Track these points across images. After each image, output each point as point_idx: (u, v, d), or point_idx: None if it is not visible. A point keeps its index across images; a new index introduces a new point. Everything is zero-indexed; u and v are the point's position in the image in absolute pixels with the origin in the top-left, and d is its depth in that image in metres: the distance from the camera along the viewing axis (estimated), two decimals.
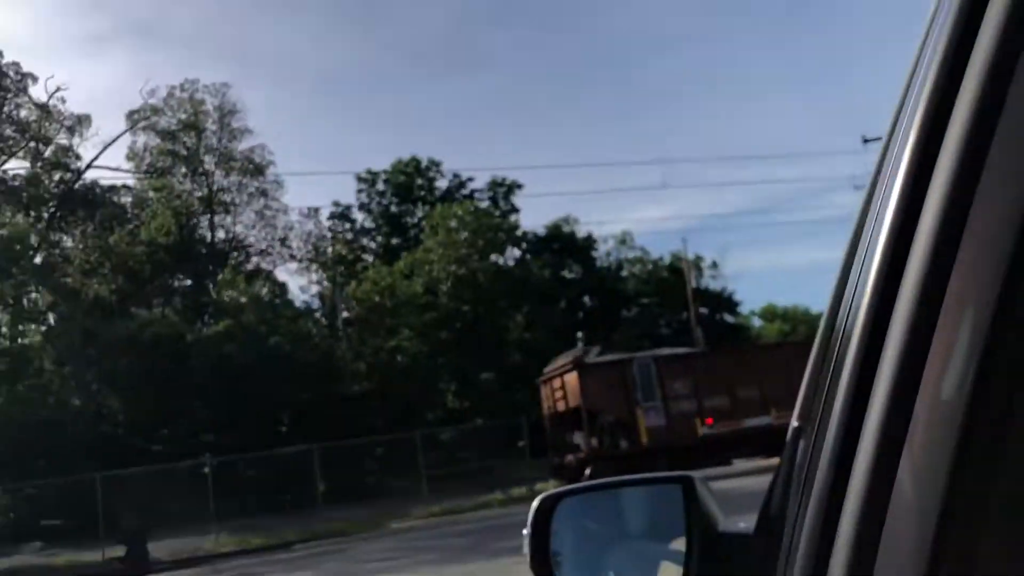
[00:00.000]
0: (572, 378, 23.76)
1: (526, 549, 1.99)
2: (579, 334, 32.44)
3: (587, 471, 22.93)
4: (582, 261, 47.08)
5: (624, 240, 49.64)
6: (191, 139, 47.43)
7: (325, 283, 48.21)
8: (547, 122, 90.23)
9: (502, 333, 39.14)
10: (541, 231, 46.50)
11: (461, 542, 14.35)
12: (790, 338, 44.64)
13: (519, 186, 48.06)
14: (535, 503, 2.03)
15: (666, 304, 47.68)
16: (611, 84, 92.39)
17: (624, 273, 49.30)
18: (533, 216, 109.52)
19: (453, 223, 39.56)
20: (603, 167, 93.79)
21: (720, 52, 79.42)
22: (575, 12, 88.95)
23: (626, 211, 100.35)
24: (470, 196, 46.69)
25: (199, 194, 47.64)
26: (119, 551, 21.99)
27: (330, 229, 50.42)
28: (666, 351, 27.36)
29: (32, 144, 40.63)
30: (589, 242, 47.52)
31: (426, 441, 31.08)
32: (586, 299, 47.31)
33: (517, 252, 43.68)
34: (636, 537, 2.44)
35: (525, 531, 2.01)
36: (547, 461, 26.18)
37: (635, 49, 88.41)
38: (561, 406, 24.52)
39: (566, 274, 46.27)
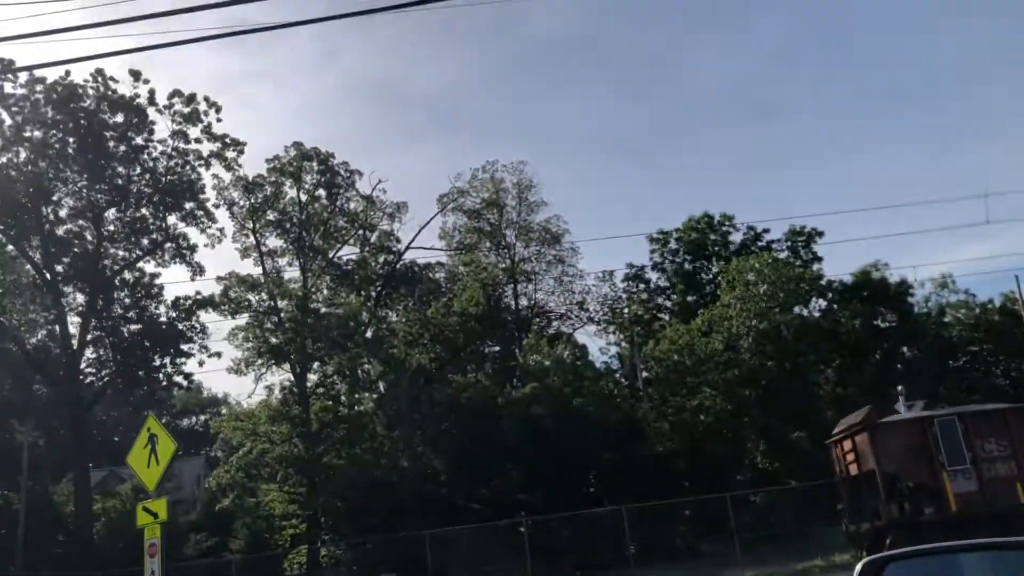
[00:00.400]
0: (863, 439, 21.66)
1: None
2: (899, 388, 29.77)
3: (887, 541, 20.77)
4: (896, 308, 43.60)
5: (945, 283, 45.35)
6: (493, 216, 50.84)
7: (623, 344, 48.85)
8: (846, 165, 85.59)
9: (811, 389, 37.11)
10: (848, 279, 43.86)
11: None
12: None
13: (820, 233, 45.90)
14: (859, 567, 1.97)
15: (1000, 351, 42.66)
16: (915, 119, 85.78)
17: (947, 319, 44.88)
18: (838, 264, 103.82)
19: (751, 276, 38.46)
20: (911, 207, 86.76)
21: None
22: (871, 45, 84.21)
23: (942, 252, 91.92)
24: (767, 248, 45.30)
25: (503, 266, 50.70)
26: None
27: (625, 290, 51.30)
28: (973, 407, 24.08)
29: (360, 232, 45.57)
30: (903, 288, 43.96)
31: (737, 503, 30.00)
32: (904, 350, 43.64)
33: (823, 303, 41.53)
34: None
35: None
36: (841, 529, 23.72)
37: (944, 79, 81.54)
38: (854, 469, 22.31)
39: (879, 323, 43.06)
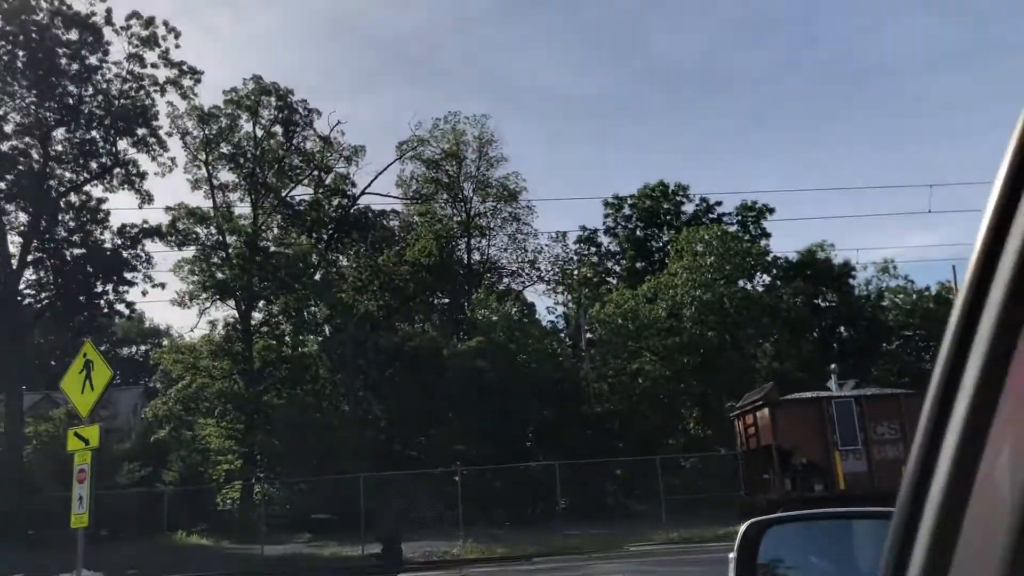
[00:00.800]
0: (764, 415, 22.42)
1: (731, 573, 2.14)
2: (832, 366, 30.63)
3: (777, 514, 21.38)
4: (838, 289, 44.67)
5: (886, 268, 46.51)
6: (452, 167, 50.59)
7: (570, 304, 49.35)
8: (801, 146, 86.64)
9: (749, 361, 38.00)
10: (793, 257, 44.74)
11: (696, 571, 14.20)
12: None
13: (770, 210, 46.60)
14: (742, 529, 2.12)
15: (932, 338, 44.04)
16: (874, 105, 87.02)
17: (885, 303, 46.14)
18: (785, 242, 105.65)
19: (699, 247, 39.02)
20: (862, 191, 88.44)
21: (996, 68, 72.43)
22: (835, 30, 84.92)
23: (887, 238, 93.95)
24: (718, 220, 45.89)
25: (458, 218, 50.62)
26: (376, 548, 23.69)
27: (577, 252, 51.66)
28: (870, 391, 24.87)
29: (315, 173, 45.03)
30: (846, 269, 44.99)
31: (667, 466, 30.82)
32: (841, 329, 44.82)
33: (767, 278, 42.30)
34: (846, 568, 2.48)
35: (731, 555, 2.15)
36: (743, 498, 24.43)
37: (903, 69, 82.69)
38: (753, 443, 23.11)
39: (820, 303, 44.13)
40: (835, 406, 21.80)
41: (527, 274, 52.22)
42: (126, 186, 37.90)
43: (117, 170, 37.71)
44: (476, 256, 51.83)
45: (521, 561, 20.59)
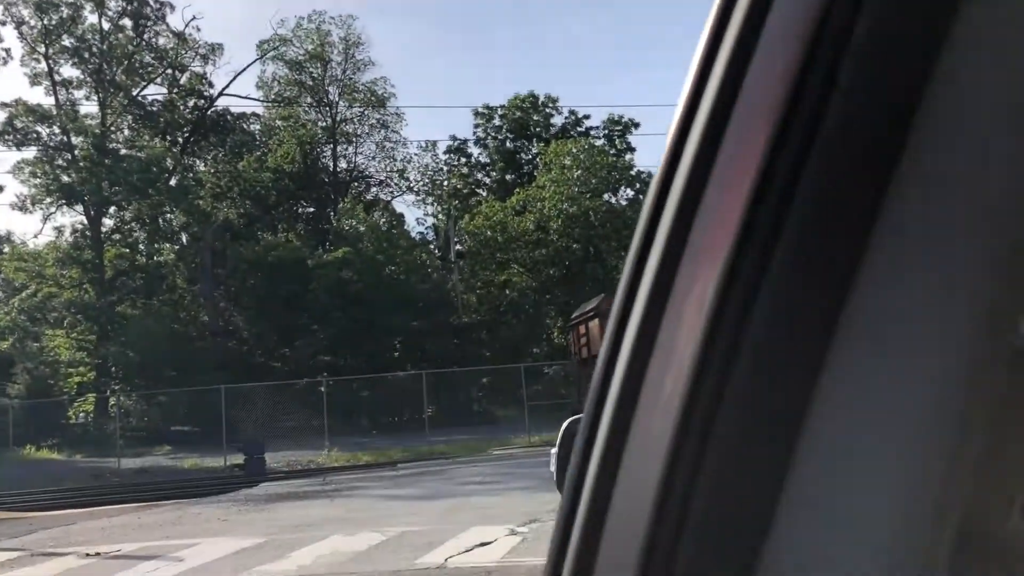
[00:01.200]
0: (595, 325, 23.03)
1: (552, 468, 2.25)
2: None
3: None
4: None
5: None
6: (317, 70, 48.71)
7: (440, 216, 49.18)
8: (669, 61, 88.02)
9: (611, 273, 39.15)
10: (656, 171, 45.89)
11: (547, 470, 14.86)
12: None
13: (636, 125, 47.38)
14: (563, 426, 2.22)
15: None
16: None
17: None
18: (649, 156, 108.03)
19: (567, 160, 39.43)
20: None
21: None
22: None
23: None
24: (585, 133, 46.34)
25: (323, 124, 49.07)
26: (239, 459, 23.53)
27: (447, 163, 51.22)
28: None
29: (169, 71, 42.51)
30: None
31: (530, 373, 31.74)
32: None
33: (631, 192, 43.28)
34: None
35: (552, 451, 2.25)
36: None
37: None
38: (585, 352, 23.80)
39: None
40: None
41: (396, 184, 51.50)
42: None
43: None
44: (343, 164, 50.61)
45: (386, 467, 20.94)
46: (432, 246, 46.32)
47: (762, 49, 0.64)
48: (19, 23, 38.85)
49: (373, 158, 51.01)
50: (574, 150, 39.84)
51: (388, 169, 51.18)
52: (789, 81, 0.61)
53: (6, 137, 37.14)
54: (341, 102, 49.44)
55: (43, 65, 39.82)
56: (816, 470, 0.60)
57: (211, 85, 43.68)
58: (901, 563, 0.58)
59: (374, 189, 51.35)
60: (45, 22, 39.07)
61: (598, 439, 0.72)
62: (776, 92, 0.62)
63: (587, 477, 0.73)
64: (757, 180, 0.61)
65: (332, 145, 49.23)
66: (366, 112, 49.68)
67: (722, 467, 0.62)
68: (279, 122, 48.14)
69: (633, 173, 42.70)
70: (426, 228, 50.24)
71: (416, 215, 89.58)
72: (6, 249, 45.60)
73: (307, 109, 49.25)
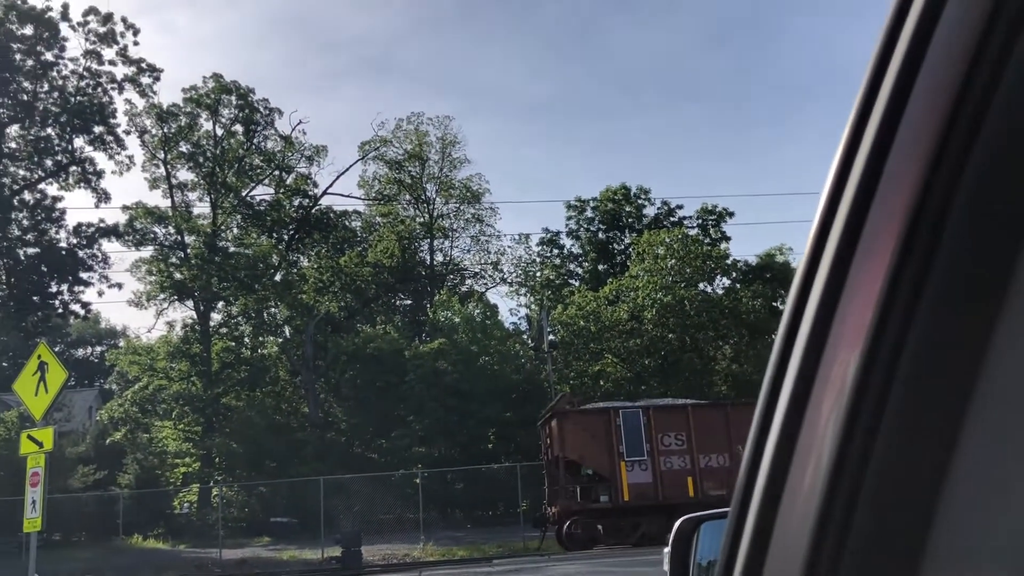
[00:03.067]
0: (555, 426, 22.40)
1: (666, 567, 2.20)
2: None
3: (567, 524, 21.63)
4: None
5: None
6: (415, 168, 50.50)
7: (533, 306, 49.48)
8: (763, 151, 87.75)
9: (708, 363, 38.41)
10: (752, 260, 45.30)
11: (653, 571, 14.35)
12: None
13: (730, 214, 47.16)
14: (676, 525, 2.16)
15: None
16: (835, 109, 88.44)
17: None
18: (745, 245, 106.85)
19: (660, 250, 39.37)
20: (817, 195, 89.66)
21: None
22: (799, 33, 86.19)
23: None
24: (679, 223, 46.33)
25: (420, 220, 50.52)
26: (336, 551, 23.55)
27: (539, 254, 51.82)
28: (660, 401, 24.94)
29: (276, 172, 44.68)
30: None
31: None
32: None
33: (727, 281, 42.77)
34: None
35: (665, 550, 2.20)
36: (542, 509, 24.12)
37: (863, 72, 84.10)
38: (549, 454, 23.07)
39: (778, 305, 44.73)
40: (623, 417, 21.79)
41: (490, 276, 52.33)
42: (82, 184, 37.40)
43: (73, 168, 37.17)
44: (439, 257, 51.83)
45: (481, 563, 20.63)
46: (525, 336, 46.48)
47: (905, 128, 0.67)
48: (142, 132, 41.72)
49: (468, 251, 52.15)
50: (667, 239, 39.78)
51: (482, 261, 52.18)
52: (930, 155, 0.63)
53: (126, 237, 39.39)
54: (438, 198, 50.99)
55: (162, 170, 42.48)
56: (971, 490, 0.62)
57: (315, 185, 45.72)
58: None
59: (469, 281, 52.31)
60: (165, 130, 41.83)
61: (764, 458, 0.77)
62: (917, 168, 0.64)
63: (754, 492, 0.77)
64: (905, 234, 0.64)
65: (429, 239, 50.54)
66: (461, 207, 51.03)
67: (881, 484, 0.65)
68: (379, 218, 49.80)
69: (729, 262, 42.27)
70: (519, 319, 50.61)
71: (510, 306, 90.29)
72: (122, 343, 47.89)
73: (405, 206, 50.89)
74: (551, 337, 40.50)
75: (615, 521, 21.56)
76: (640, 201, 48.74)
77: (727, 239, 46.70)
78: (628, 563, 17.12)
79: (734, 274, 42.29)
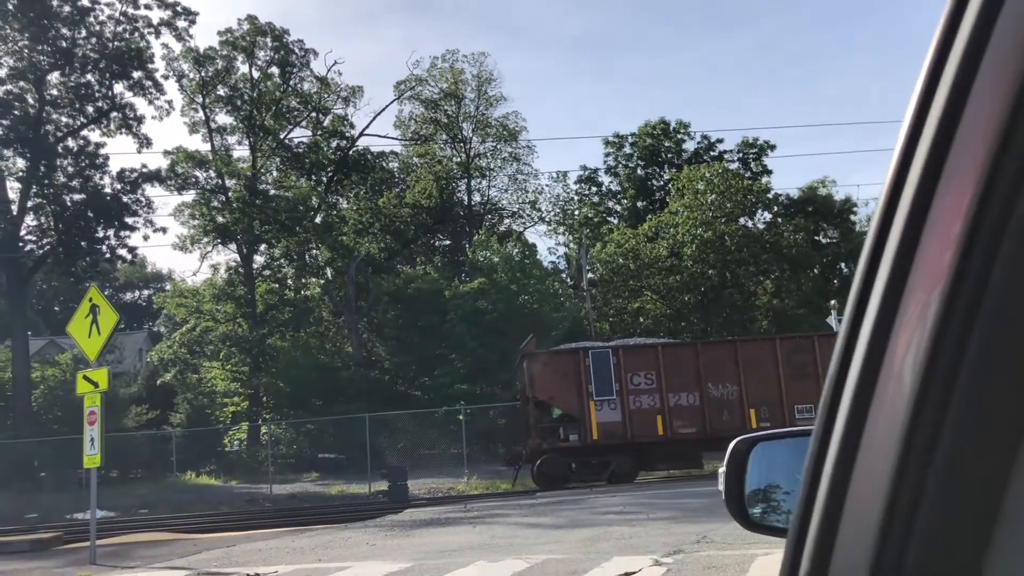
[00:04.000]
0: (525, 367, 22.49)
1: (721, 486, 2.23)
2: (832, 303, 30.80)
3: (538, 462, 21.80)
4: (839, 226, 44.62)
5: None
6: (451, 107, 50.14)
7: (572, 245, 49.38)
8: (805, 80, 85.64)
9: (749, 299, 38.18)
10: (794, 194, 44.61)
11: (696, 503, 14.53)
12: None
13: (772, 147, 46.33)
14: (731, 446, 2.19)
15: None
16: (878, 38, 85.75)
17: None
18: (787, 178, 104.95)
19: (700, 185, 38.89)
20: (865, 126, 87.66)
21: None
22: None
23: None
24: (719, 158, 45.64)
25: (457, 159, 50.35)
26: (383, 485, 24.11)
27: (577, 192, 51.51)
28: (630, 341, 24.80)
29: (313, 114, 44.68)
30: (847, 205, 44.89)
31: None
32: (842, 266, 44.90)
33: (768, 216, 42.24)
34: None
35: (721, 470, 2.23)
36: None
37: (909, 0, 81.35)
38: (521, 395, 23.18)
39: (821, 239, 44.14)
40: (592, 357, 21.75)
41: (528, 215, 52.19)
42: (124, 130, 37.70)
43: (114, 114, 37.45)
44: (477, 197, 51.76)
45: (524, 496, 21.00)
46: (564, 275, 46.53)
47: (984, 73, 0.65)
48: (180, 77, 41.88)
49: (506, 191, 51.97)
50: (707, 175, 39.26)
51: (520, 201, 52.00)
52: (1011, 97, 0.62)
53: (168, 182, 39.85)
54: (475, 137, 50.69)
55: (200, 114, 42.72)
56: None
57: (352, 126, 45.67)
58: None
59: (507, 220, 52.24)
60: (202, 74, 41.94)
61: (831, 446, 0.77)
62: (997, 108, 0.63)
63: (821, 482, 0.78)
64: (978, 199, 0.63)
65: (467, 179, 50.42)
66: (499, 146, 50.71)
67: (947, 475, 0.65)
68: (416, 159, 49.74)
69: (770, 196, 41.67)
70: (558, 257, 50.60)
71: (548, 245, 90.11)
72: (168, 287, 48.79)
73: (442, 146, 50.70)
74: (590, 275, 40.47)
75: (585, 459, 21.89)
76: (679, 136, 48.02)
77: (768, 172, 46.01)
78: (670, 494, 17.35)
79: (775, 208, 41.73)
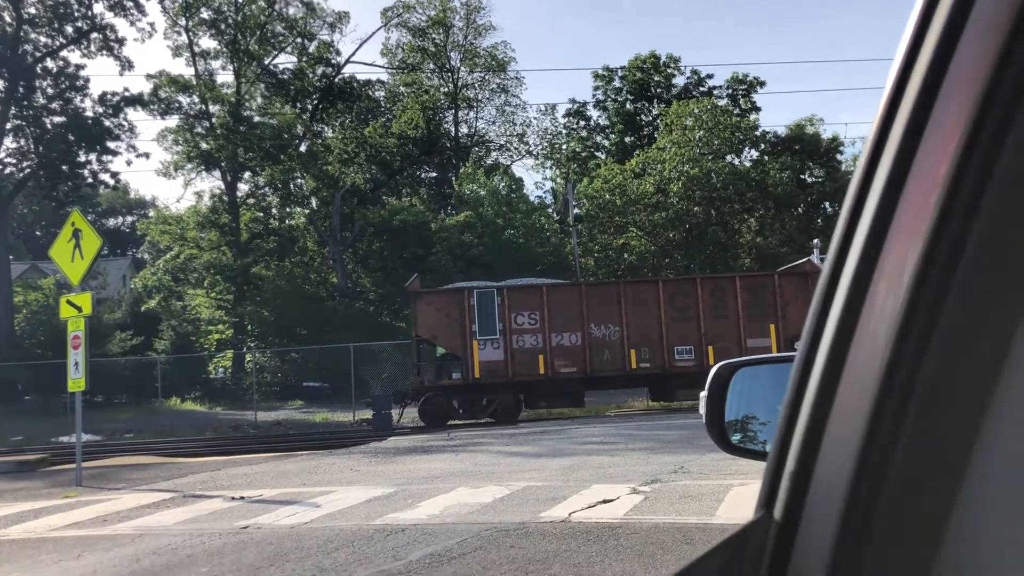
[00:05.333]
0: (412, 306, 22.76)
1: (702, 410, 2.29)
2: (815, 242, 30.98)
3: (423, 399, 22.18)
4: (825, 164, 44.53)
5: None
6: (439, 36, 49.26)
7: (558, 180, 49.16)
8: (794, 18, 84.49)
9: (733, 236, 38.29)
10: (782, 131, 44.39)
11: (674, 435, 14.82)
12: None
13: (761, 83, 45.96)
14: (713, 371, 2.23)
15: None
16: None
17: None
18: (775, 115, 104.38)
19: (689, 121, 38.62)
20: (854, 64, 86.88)
21: None
22: None
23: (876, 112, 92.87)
24: (708, 93, 45.25)
25: (445, 90, 49.66)
26: (367, 414, 24.41)
27: (566, 126, 51.06)
28: (514, 282, 24.96)
29: (298, 40, 43.81)
30: (834, 144, 44.74)
31: None
32: (827, 205, 44.97)
33: (755, 153, 42.08)
34: None
35: (702, 394, 2.29)
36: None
37: None
38: (411, 332, 23.37)
39: (806, 178, 44.06)
40: (476, 297, 21.99)
41: (515, 148, 51.82)
42: (104, 52, 36.91)
43: (94, 35, 36.61)
44: (464, 129, 51.23)
45: (507, 426, 21.32)
46: (551, 210, 46.42)
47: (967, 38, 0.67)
48: None
49: (493, 123, 51.52)
50: (696, 110, 38.97)
51: (508, 133, 51.56)
52: (992, 64, 0.63)
53: (151, 107, 39.19)
54: (463, 67, 49.93)
55: (184, 38, 41.80)
56: (1003, 446, 0.64)
57: (338, 53, 44.91)
58: None
59: (494, 154, 51.89)
60: None
61: (812, 375, 0.81)
62: (980, 75, 0.64)
63: (801, 411, 0.81)
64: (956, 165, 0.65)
65: (454, 110, 49.83)
66: (487, 77, 50.02)
67: (928, 406, 0.67)
68: (403, 88, 49.03)
69: (758, 133, 41.46)
70: (545, 192, 50.43)
71: (535, 179, 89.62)
72: (152, 213, 48.38)
73: (430, 75, 49.96)
74: (576, 210, 40.39)
75: (468, 397, 22.25)
76: (669, 70, 47.47)
77: (757, 110, 45.70)
78: (649, 426, 17.67)
79: (762, 146, 41.56)
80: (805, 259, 24.75)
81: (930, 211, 0.67)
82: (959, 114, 0.65)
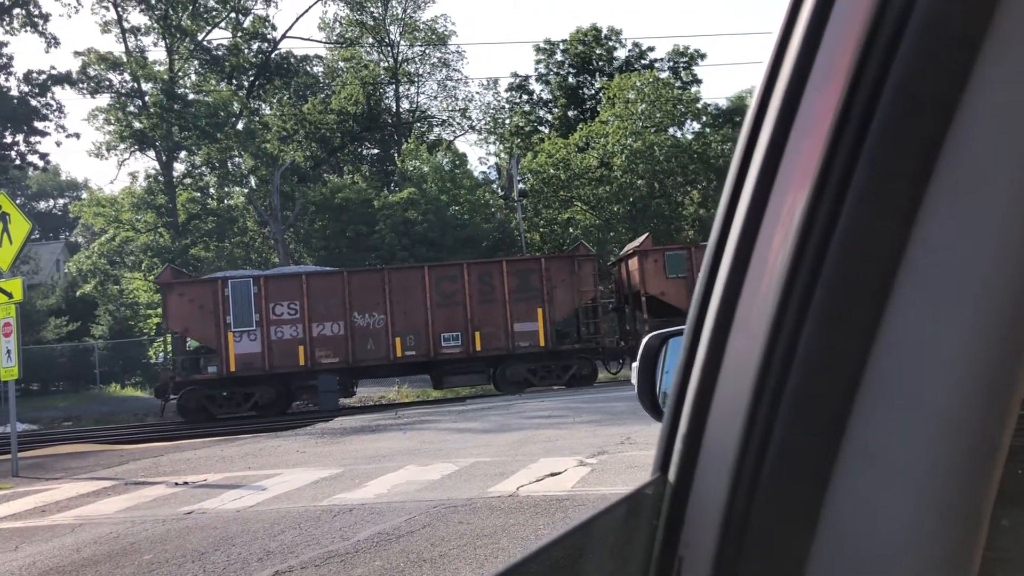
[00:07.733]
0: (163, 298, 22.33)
1: (634, 380, 2.29)
2: None
3: (180, 393, 21.69)
4: None
5: None
6: (377, 9, 48.51)
7: (502, 155, 49.01)
8: None
9: (676, 209, 38.67)
10: (724, 103, 44.84)
11: (622, 407, 14.97)
12: None
13: (702, 56, 46.26)
14: (644, 341, 2.24)
15: None
16: None
17: None
18: (717, 87, 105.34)
19: (631, 94, 38.76)
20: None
21: None
22: None
23: None
24: (650, 66, 45.43)
25: (385, 64, 49.00)
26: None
27: (508, 100, 50.85)
28: (274, 271, 24.68)
29: (232, 15, 42.73)
30: None
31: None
32: None
33: (697, 126, 42.46)
34: None
35: (634, 365, 2.29)
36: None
37: None
38: (164, 324, 22.89)
39: None
40: (231, 287, 21.56)
41: (458, 123, 51.45)
42: (28, 28, 35.58)
43: (17, 10, 35.25)
44: (405, 105, 50.69)
45: (455, 403, 21.34)
46: (495, 185, 46.30)
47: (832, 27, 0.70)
48: None
49: (435, 98, 51.09)
50: (638, 83, 39.12)
51: (450, 108, 51.15)
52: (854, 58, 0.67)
53: (80, 85, 37.97)
54: (402, 42, 49.30)
55: (112, 13, 40.48)
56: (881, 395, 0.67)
57: (274, 28, 43.91)
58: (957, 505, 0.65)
59: (437, 129, 51.43)
60: None
61: (701, 341, 0.82)
62: (843, 65, 0.68)
63: (692, 373, 0.82)
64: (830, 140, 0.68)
65: (395, 85, 49.25)
66: (427, 51, 49.49)
67: (812, 364, 0.69)
68: (342, 63, 48.27)
69: (699, 106, 41.80)
70: (489, 168, 50.28)
71: (479, 155, 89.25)
72: (85, 195, 47.04)
73: (369, 50, 49.25)
74: (521, 185, 40.38)
75: (227, 391, 21.72)
76: (611, 43, 47.52)
77: (698, 82, 46.04)
78: (597, 398, 17.83)
79: (704, 118, 41.94)
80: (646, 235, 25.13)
81: (813, 168, 0.69)
82: (839, 74, 0.68)
